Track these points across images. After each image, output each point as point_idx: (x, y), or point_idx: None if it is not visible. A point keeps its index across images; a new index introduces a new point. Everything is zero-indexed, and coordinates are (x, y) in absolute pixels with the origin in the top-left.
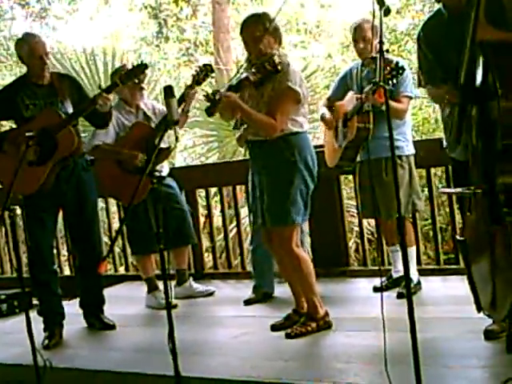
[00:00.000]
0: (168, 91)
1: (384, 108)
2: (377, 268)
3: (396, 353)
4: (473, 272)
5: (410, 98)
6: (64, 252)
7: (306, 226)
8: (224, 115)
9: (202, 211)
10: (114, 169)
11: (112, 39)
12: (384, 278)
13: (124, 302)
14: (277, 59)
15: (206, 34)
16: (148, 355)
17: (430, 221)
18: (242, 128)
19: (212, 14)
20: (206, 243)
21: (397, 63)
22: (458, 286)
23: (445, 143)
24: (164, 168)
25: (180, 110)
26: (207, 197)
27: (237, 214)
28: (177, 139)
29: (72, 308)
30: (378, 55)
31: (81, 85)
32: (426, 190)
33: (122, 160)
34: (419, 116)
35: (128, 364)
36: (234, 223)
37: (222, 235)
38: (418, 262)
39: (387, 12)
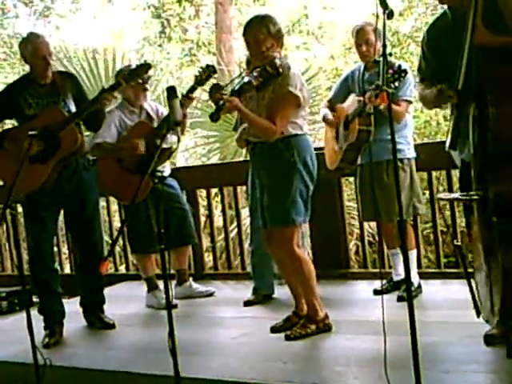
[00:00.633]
0: (171, 92)
1: (384, 109)
2: (377, 270)
3: (396, 357)
4: (475, 277)
5: (410, 102)
6: (65, 250)
7: (306, 228)
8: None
9: (202, 211)
10: (115, 168)
11: (115, 38)
12: (384, 281)
13: (124, 301)
14: (278, 62)
15: (208, 34)
16: (148, 355)
17: (430, 224)
18: (241, 128)
19: (215, 15)
20: (206, 243)
21: (399, 66)
22: (458, 290)
23: (447, 145)
24: (166, 168)
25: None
26: (208, 197)
27: (237, 215)
28: (178, 140)
29: (72, 306)
30: (381, 59)
31: (80, 83)
32: (427, 192)
33: (123, 158)
34: (421, 118)
35: (127, 364)
36: (235, 224)
37: (222, 235)
38: (419, 265)
39: (391, 15)
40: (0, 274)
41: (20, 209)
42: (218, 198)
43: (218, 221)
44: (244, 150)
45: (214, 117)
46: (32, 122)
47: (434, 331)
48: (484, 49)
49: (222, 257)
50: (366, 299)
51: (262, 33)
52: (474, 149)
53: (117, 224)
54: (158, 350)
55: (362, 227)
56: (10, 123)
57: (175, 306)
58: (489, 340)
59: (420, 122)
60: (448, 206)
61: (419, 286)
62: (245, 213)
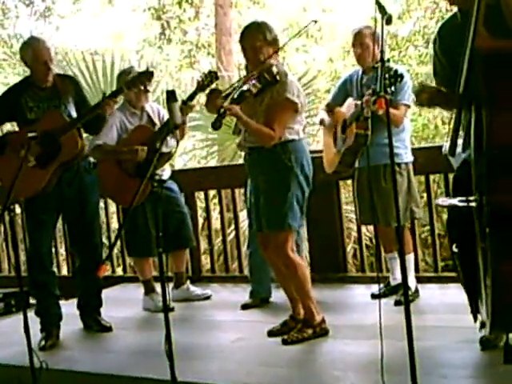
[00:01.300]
0: (170, 96)
1: (382, 115)
2: (375, 274)
3: (393, 361)
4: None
5: (408, 106)
6: (62, 251)
7: (303, 231)
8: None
9: (200, 213)
10: (115, 171)
11: (115, 39)
12: (382, 285)
13: (121, 303)
14: (275, 70)
15: (208, 36)
16: (144, 358)
17: (428, 227)
18: (242, 134)
19: (214, 17)
20: (203, 245)
21: (396, 71)
22: (456, 294)
23: (446, 150)
24: (165, 171)
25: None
26: (206, 199)
27: (235, 218)
28: (177, 143)
29: (69, 309)
30: (379, 64)
31: (81, 86)
32: (425, 196)
33: (123, 161)
34: (419, 122)
35: (124, 367)
36: (233, 226)
37: (220, 238)
38: (416, 269)
39: (389, 21)
40: None
41: (18, 210)
42: (216, 201)
43: (216, 223)
44: (243, 153)
45: (217, 125)
46: (33, 126)
47: (431, 336)
48: (484, 53)
49: (220, 259)
50: (364, 303)
51: (258, 40)
52: (474, 154)
53: (114, 226)
54: (154, 354)
55: (359, 230)
56: (9, 124)
57: (172, 309)
58: (485, 344)
59: (418, 125)
60: (446, 210)
61: (416, 291)
62: (243, 216)
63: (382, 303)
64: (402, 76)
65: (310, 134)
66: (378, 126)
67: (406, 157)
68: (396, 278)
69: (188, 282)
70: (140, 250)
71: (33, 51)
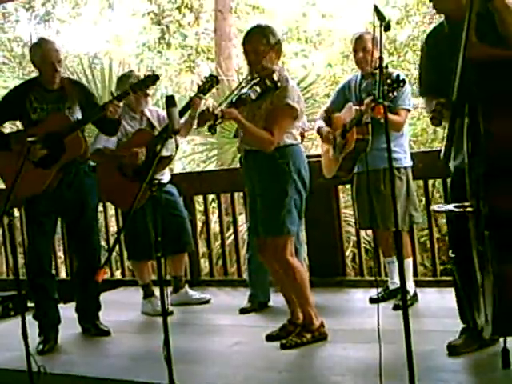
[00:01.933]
0: (170, 101)
1: (381, 119)
2: (373, 278)
3: (391, 366)
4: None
5: (408, 110)
6: (60, 254)
7: (302, 235)
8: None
9: (199, 217)
10: (114, 174)
11: (114, 44)
12: (380, 289)
13: (120, 307)
14: (276, 76)
15: (207, 40)
16: (143, 363)
17: (427, 231)
18: (239, 136)
19: (214, 22)
20: (202, 249)
21: (397, 76)
22: (454, 299)
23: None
24: (165, 175)
25: (187, 116)
26: (205, 203)
27: (234, 221)
28: (177, 147)
29: (68, 312)
30: (377, 71)
31: (92, 92)
32: (424, 200)
33: (123, 165)
34: (418, 126)
35: (122, 371)
36: (232, 230)
37: (219, 242)
38: (415, 273)
39: (387, 27)
40: None
41: (17, 213)
42: (215, 204)
43: (215, 227)
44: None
45: (212, 130)
46: (38, 127)
47: (430, 340)
48: (477, 62)
49: (219, 263)
50: (362, 307)
51: (261, 43)
52: (468, 160)
53: (113, 229)
54: (152, 358)
55: (358, 234)
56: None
57: (171, 313)
58: (451, 350)
59: (417, 129)
60: (444, 214)
61: (415, 295)
62: (242, 219)
63: (381, 307)
64: (404, 81)
65: (309, 138)
66: (378, 131)
67: (405, 161)
68: (395, 282)
69: (186, 285)
70: (140, 254)
71: (41, 52)
